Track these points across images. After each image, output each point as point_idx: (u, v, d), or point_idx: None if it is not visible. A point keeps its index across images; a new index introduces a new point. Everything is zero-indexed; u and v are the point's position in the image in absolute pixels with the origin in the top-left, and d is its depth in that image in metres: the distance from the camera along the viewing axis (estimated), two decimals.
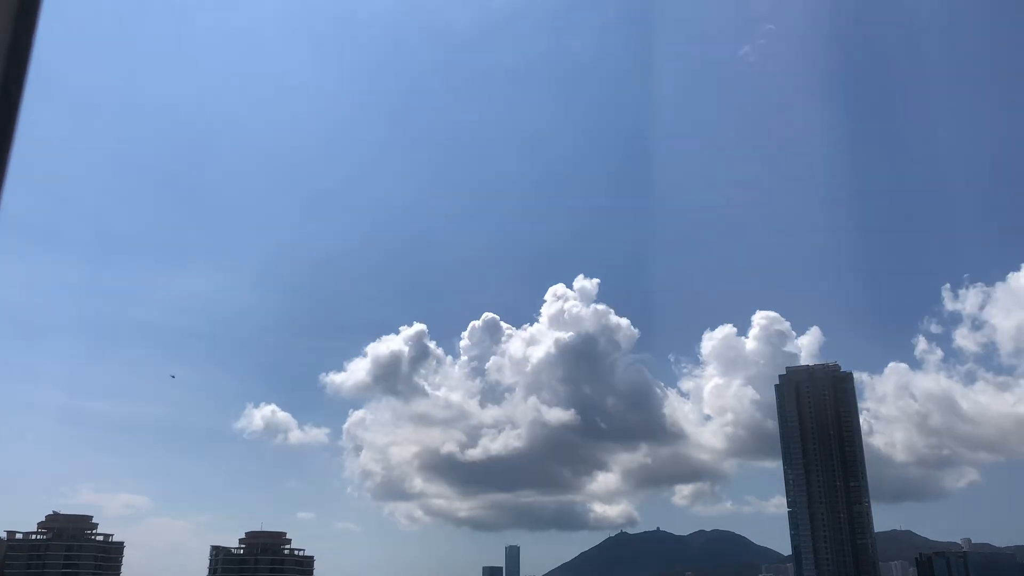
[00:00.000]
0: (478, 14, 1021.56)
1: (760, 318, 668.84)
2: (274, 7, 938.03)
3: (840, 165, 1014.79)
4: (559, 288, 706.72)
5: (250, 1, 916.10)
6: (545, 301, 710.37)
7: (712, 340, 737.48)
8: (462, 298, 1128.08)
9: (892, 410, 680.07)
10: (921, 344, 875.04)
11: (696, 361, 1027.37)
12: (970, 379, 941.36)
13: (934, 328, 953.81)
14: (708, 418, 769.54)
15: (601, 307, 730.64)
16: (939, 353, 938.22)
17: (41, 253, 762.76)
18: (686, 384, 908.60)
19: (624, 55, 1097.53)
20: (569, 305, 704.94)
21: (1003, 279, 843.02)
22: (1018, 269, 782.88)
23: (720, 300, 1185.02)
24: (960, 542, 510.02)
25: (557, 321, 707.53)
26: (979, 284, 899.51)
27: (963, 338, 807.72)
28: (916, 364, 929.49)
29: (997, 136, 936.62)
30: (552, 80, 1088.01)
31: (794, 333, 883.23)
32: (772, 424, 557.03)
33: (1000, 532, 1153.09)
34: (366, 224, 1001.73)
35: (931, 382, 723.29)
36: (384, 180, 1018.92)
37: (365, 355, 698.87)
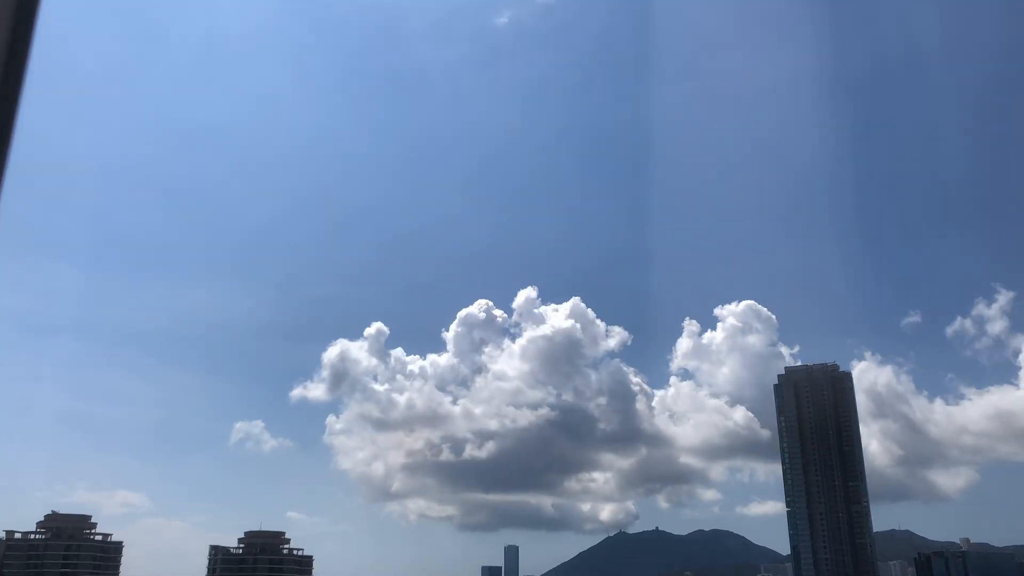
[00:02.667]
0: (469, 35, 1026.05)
1: (741, 316, 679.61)
2: (268, 13, 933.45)
3: (828, 169, 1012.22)
4: (531, 291, 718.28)
5: (243, 5, 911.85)
6: (516, 305, 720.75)
7: (698, 341, 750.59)
8: (447, 300, 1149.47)
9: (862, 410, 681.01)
10: (894, 344, 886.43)
11: (685, 362, 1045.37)
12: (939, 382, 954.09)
13: (909, 328, 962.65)
14: (703, 418, 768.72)
15: (584, 309, 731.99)
16: (910, 354, 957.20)
17: (40, 256, 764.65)
18: (678, 385, 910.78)
19: (610, 62, 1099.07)
20: (554, 308, 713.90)
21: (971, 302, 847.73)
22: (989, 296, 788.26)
23: (705, 304, 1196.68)
24: (959, 542, 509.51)
25: (543, 323, 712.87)
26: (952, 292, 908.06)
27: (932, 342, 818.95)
28: (892, 367, 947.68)
29: (996, 145, 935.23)
30: (535, 92, 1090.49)
31: (778, 331, 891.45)
32: (765, 423, 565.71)
33: (999, 532, 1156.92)
34: (352, 227, 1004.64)
35: (891, 379, 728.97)
36: (371, 183, 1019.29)
37: (354, 357, 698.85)
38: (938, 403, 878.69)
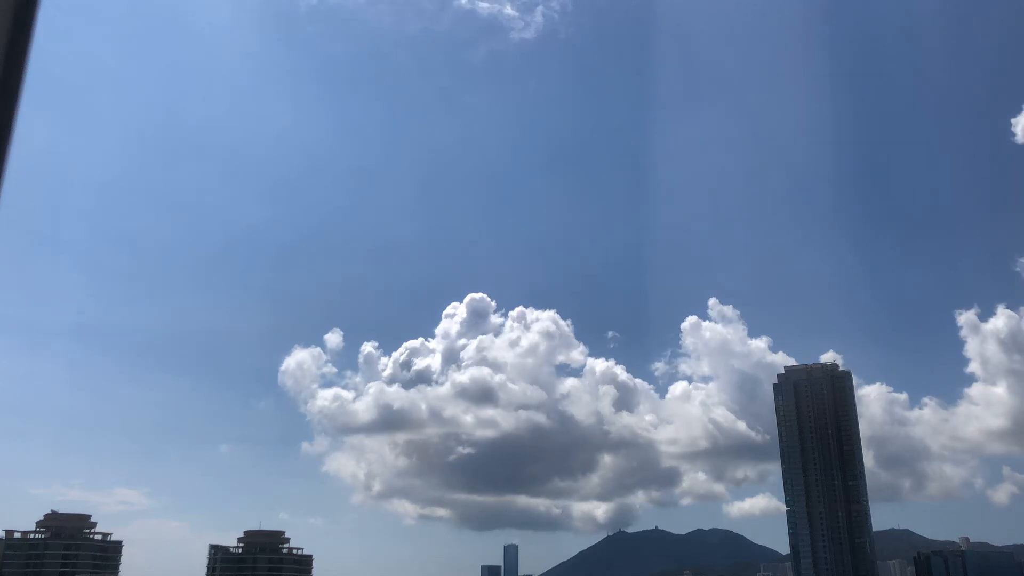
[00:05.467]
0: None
1: (729, 319, 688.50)
2: (262, 45, 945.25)
3: (812, 175, 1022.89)
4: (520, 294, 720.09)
5: (239, 38, 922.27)
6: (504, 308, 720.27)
7: (688, 343, 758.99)
8: (434, 303, 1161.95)
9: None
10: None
11: (676, 363, 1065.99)
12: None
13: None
14: (698, 418, 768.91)
15: (572, 313, 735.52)
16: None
17: (38, 258, 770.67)
18: (671, 386, 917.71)
19: (588, 84, 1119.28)
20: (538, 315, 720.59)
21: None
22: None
23: (695, 306, 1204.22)
24: (958, 541, 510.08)
25: (532, 325, 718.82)
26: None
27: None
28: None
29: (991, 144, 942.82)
30: (518, 109, 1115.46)
31: (766, 333, 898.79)
32: (762, 423, 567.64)
33: (998, 531, 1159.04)
34: (346, 234, 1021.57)
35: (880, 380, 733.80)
36: (362, 194, 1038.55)
37: (353, 356, 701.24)
38: (933, 404, 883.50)
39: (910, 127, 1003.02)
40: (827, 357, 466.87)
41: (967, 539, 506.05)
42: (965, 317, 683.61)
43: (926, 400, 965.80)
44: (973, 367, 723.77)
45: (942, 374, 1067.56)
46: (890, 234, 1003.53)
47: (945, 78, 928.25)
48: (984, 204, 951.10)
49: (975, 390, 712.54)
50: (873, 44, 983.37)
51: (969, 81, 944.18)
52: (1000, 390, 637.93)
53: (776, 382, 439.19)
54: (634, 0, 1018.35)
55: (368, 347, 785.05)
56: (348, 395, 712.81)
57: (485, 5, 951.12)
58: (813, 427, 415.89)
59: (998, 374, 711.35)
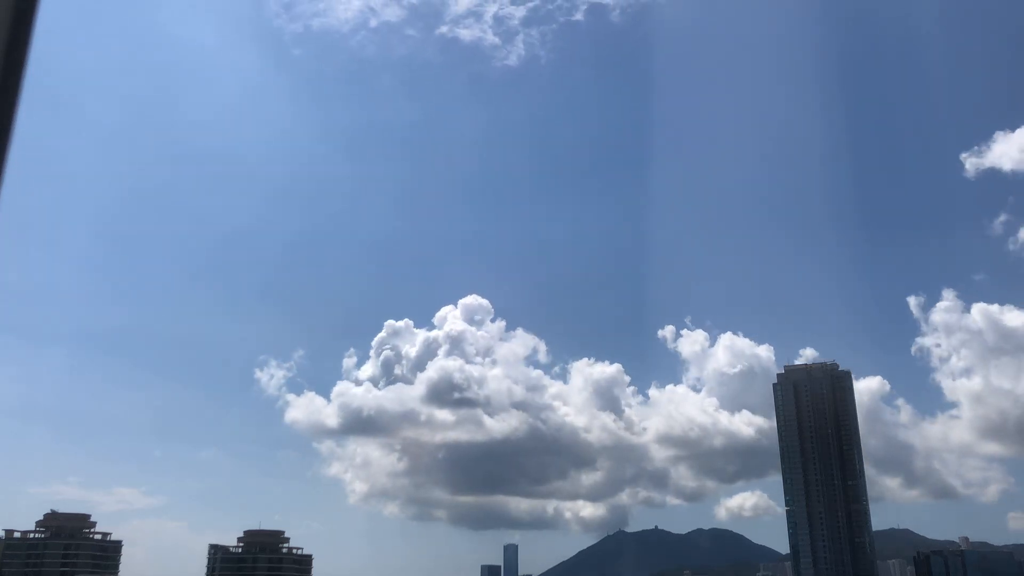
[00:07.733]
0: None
1: (725, 319, 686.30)
2: (256, 68, 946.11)
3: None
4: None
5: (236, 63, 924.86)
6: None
7: (683, 344, 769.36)
8: (429, 304, 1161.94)
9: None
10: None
11: (674, 364, 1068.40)
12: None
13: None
14: (697, 419, 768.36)
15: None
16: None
17: (36, 258, 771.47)
18: (669, 387, 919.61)
19: (585, 82, 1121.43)
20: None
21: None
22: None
23: (689, 308, 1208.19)
24: (958, 540, 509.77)
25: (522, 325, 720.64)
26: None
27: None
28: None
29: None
30: (506, 125, 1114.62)
31: (761, 334, 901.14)
32: (761, 424, 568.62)
33: (998, 531, 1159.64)
34: (340, 237, 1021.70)
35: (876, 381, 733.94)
36: (355, 199, 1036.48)
37: (341, 359, 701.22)
38: (923, 403, 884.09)
39: (890, 131, 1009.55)
40: (808, 353, 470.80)
41: (967, 539, 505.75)
42: (948, 312, 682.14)
43: (913, 398, 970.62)
44: (955, 364, 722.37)
45: (934, 374, 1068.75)
46: (876, 233, 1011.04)
47: (934, 80, 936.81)
48: (957, 206, 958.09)
49: (967, 387, 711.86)
50: (847, 59, 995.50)
51: (957, 92, 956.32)
52: (985, 386, 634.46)
53: (776, 382, 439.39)
54: (615, 25, 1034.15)
55: (356, 351, 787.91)
56: (344, 397, 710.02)
57: (467, 32, 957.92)
58: (813, 427, 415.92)
59: (976, 370, 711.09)
